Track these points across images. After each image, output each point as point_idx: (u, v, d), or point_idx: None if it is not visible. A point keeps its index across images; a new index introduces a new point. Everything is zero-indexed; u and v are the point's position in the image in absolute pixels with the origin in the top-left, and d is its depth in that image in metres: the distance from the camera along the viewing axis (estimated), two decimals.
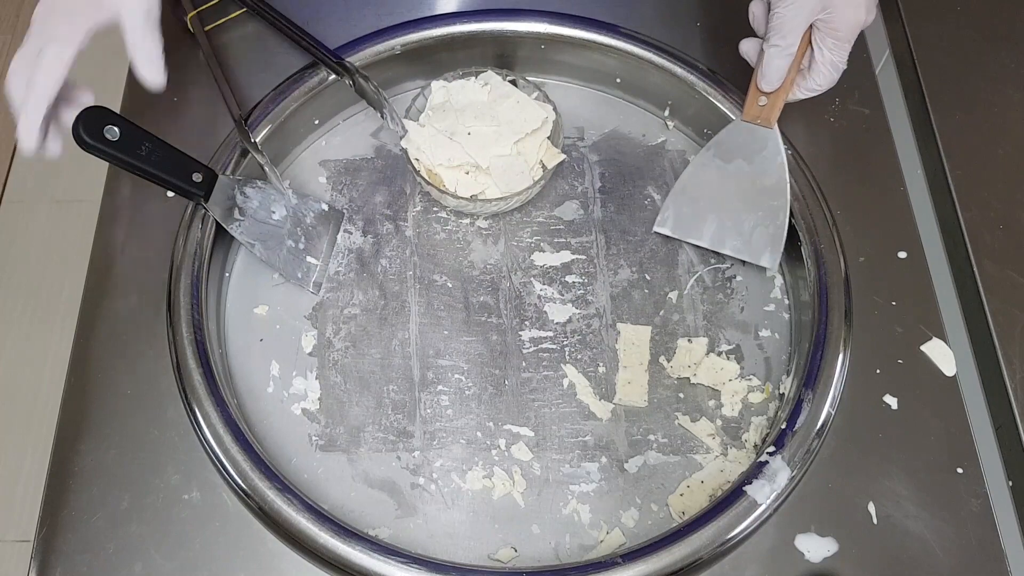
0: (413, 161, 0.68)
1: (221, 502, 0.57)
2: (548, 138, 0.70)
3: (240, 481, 0.56)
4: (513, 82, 0.71)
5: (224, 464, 0.56)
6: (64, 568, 0.55)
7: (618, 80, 0.75)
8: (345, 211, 0.70)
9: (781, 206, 0.66)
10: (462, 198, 0.68)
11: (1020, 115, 0.73)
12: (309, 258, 0.67)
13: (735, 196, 0.68)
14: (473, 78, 0.72)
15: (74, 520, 0.56)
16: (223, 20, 0.75)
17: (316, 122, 0.73)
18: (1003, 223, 0.68)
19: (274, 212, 0.66)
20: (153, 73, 0.60)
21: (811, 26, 0.62)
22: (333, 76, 0.70)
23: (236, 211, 0.64)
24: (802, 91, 0.65)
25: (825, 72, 0.64)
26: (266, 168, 0.66)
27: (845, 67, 0.63)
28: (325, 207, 0.69)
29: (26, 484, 1.31)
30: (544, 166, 0.69)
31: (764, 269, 0.69)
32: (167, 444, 0.59)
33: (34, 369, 1.39)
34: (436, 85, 0.71)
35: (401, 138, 0.69)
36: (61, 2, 0.57)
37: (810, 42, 0.63)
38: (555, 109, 0.71)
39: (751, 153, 0.67)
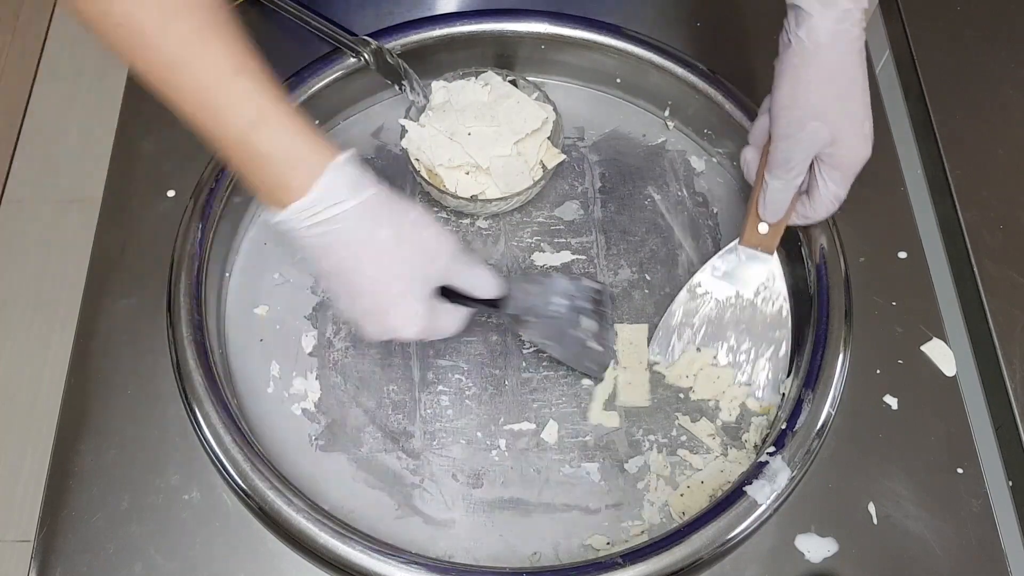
0: (413, 161, 0.68)
1: (221, 502, 0.57)
2: (548, 138, 0.70)
3: (240, 481, 0.56)
4: (513, 82, 0.71)
5: (224, 464, 0.56)
6: (64, 568, 0.55)
7: (618, 80, 0.75)
8: (612, 291, 0.67)
9: (783, 337, 0.65)
10: (462, 198, 0.68)
11: (1020, 115, 0.73)
12: (593, 344, 0.64)
13: (733, 324, 0.66)
14: (473, 78, 0.72)
15: (74, 520, 0.56)
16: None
17: (316, 122, 0.73)
18: (1003, 223, 0.68)
19: (551, 303, 0.63)
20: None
21: (815, 157, 0.60)
22: (334, 76, 0.70)
23: (528, 313, 0.62)
24: (799, 218, 0.63)
25: (827, 204, 0.61)
26: None
27: (845, 197, 0.61)
28: (598, 286, 0.66)
29: (26, 484, 1.31)
30: (544, 166, 0.69)
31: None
32: (167, 444, 0.59)
33: (34, 369, 1.39)
34: (436, 85, 0.71)
35: (402, 136, 0.69)
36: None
37: (811, 171, 0.60)
38: (555, 109, 0.71)
39: (750, 280, 0.65)
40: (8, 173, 1.56)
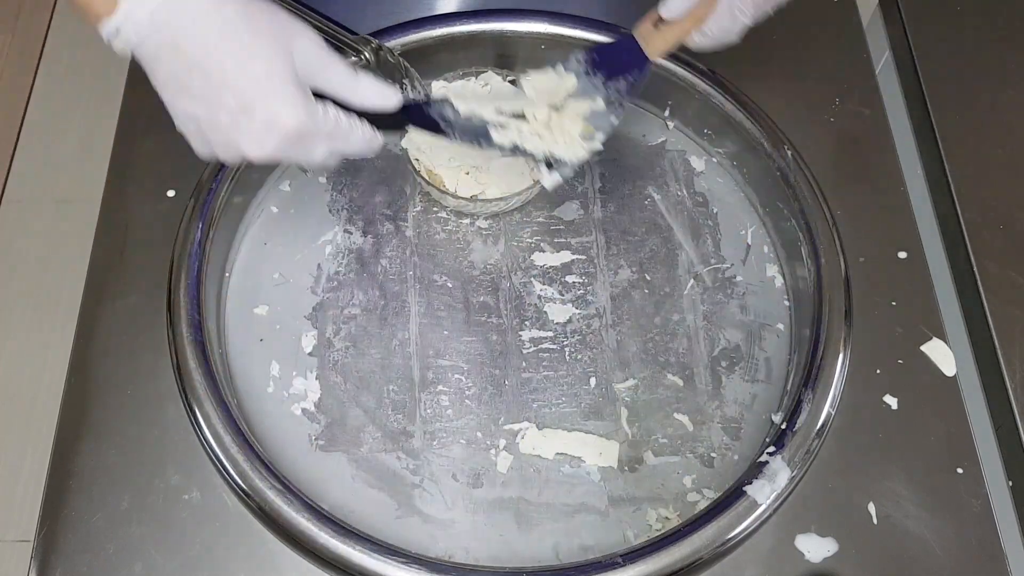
0: (413, 161, 0.68)
1: (221, 502, 0.57)
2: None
3: (240, 481, 0.56)
4: (513, 82, 0.71)
5: (224, 464, 0.56)
6: (64, 568, 0.55)
7: None
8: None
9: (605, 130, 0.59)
10: (462, 198, 0.68)
11: (1020, 115, 0.73)
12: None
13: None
14: (473, 78, 0.72)
15: (74, 520, 0.56)
16: None
17: None
18: (1003, 223, 0.68)
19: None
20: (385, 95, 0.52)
21: None
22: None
23: (442, 124, 0.58)
24: (697, 37, 0.56)
25: (719, 21, 0.53)
26: None
27: (748, 23, 0.54)
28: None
29: (26, 484, 1.31)
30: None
31: (764, 269, 0.69)
32: (167, 444, 0.59)
33: (34, 369, 1.39)
34: (436, 85, 0.71)
35: (402, 136, 0.69)
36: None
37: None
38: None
39: (615, 71, 0.59)
40: (8, 173, 1.56)
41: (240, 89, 0.45)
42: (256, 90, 0.45)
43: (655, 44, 0.58)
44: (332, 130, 0.49)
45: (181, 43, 0.45)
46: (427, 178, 0.68)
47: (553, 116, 0.60)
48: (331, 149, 0.50)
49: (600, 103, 0.60)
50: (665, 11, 0.56)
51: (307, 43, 0.48)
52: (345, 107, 0.51)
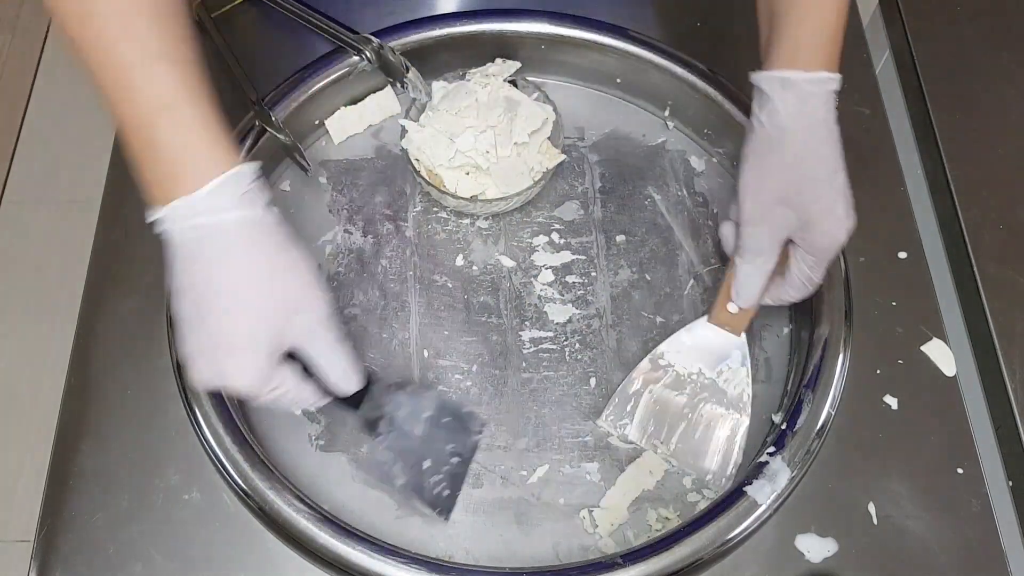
0: (413, 161, 0.68)
1: (221, 502, 0.57)
2: (548, 138, 0.70)
3: (240, 481, 0.56)
4: (513, 82, 0.71)
5: (224, 464, 0.56)
6: (64, 568, 0.55)
7: (618, 80, 0.75)
8: (485, 420, 0.62)
9: (742, 421, 0.62)
10: (462, 198, 0.67)
11: (1020, 115, 0.73)
12: (439, 482, 0.58)
13: (690, 403, 0.63)
14: (473, 79, 0.72)
15: (74, 520, 0.56)
16: (228, 7, 0.75)
17: (316, 122, 0.73)
18: (1003, 223, 0.68)
19: (418, 426, 0.59)
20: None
21: (789, 239, 0.58)
22: (333, 76, 0.70)
23: (383, 422, 0.58)
24: (772, 299, 0.61)
25: (799, 287, 0.59)
26: (291, 147, 0.67)
27: (821, 282, 0.59)
28: (480, 422, 0.61)
29: (26, 484, 1.31)
30: (544, 166, 0.69)
31: None
32: (167, 444, 0.59)
33: (34, 369, 1.39)
34: (436, 86, 0.71)
35: (402, 136, 0.69)
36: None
37: (786, 253, 0.59)
38: (555, 109, 0.70)
39: (714, 360, 0.63)
40: (8, 173, 1.56)
41: (222, 332, 0.48)
42: (228, 345, 0.48)
43: (741, 324, 0.63)
44: (279, 396, 0.51)
45: (199, 264, 0.48)
46: (427, 178, 0.68)
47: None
48: (274, 403, 0.52)
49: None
50: (744, 304, 0.62)
51: (311, 317, 0.51)
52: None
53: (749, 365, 0.63)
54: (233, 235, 0.48)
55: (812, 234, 0.56)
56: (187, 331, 0.49)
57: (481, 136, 0.68)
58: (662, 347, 0.64)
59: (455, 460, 0.59)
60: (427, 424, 0.59)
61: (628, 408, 0.62)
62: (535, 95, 0.71)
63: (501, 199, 0.68)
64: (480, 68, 0.72)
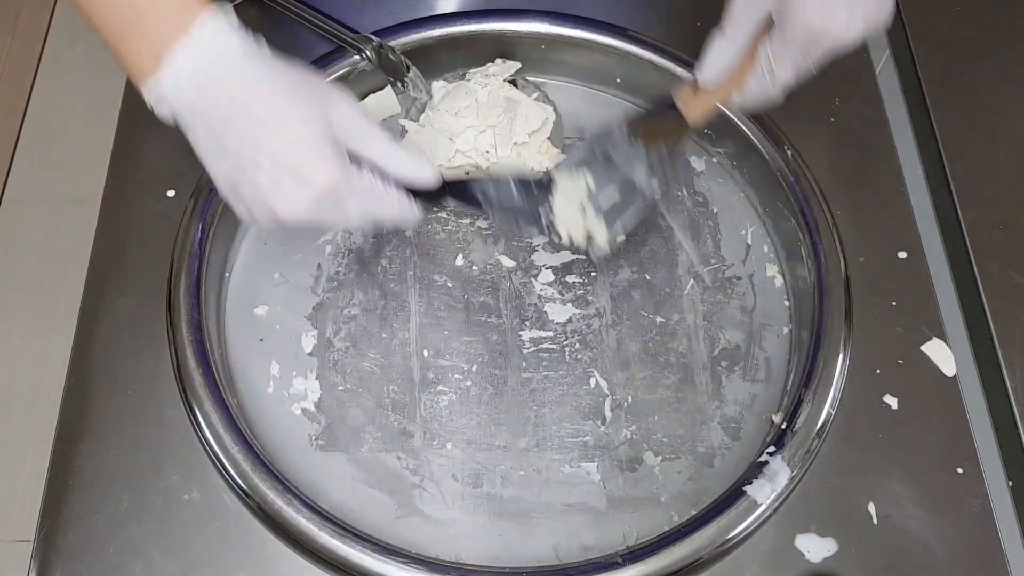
0: None
1: (221, 502, 0.57)
2: (548, 138, 0.70)
3: (240, 481, 0.56)
4: (513, 82, 0.71)
5: (224, 464, 0.56)
6: (64, 568, 0.55)
7: (618, 80, 0.75)
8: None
9: (633, 214, 0.60)
10: None
11: (1020, 115, 0.73)
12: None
13: (620, 172, 0.60)
14: (474, 78, 0.72)
15: (74, 520, 0.56)
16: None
17: None
18: (1003, 223, 0.68)
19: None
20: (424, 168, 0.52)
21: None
22: (337, 74, 0.70)
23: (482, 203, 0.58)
24: (738, 98, 0.54)
25: (758, 79, 0.50)
26: None
27: (788, 85, 0.51)
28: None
29: (26, 484, 1.31)
30: (544, 167, 0.69)
31: (764, 269, 0.69)
32: (167, 444, 0.59)
33: (34, 369, 1.39)
34: (436, 85, 0.72)
35: (402, 136, 0.69)
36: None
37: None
38: (555, 109, 0.70)
39: (651, 139, 0.59)
40: (8, 173, 1.56)
41: (276, 149, 0.46)
42: (292, 150, 0.46)
43: (695, 109, 0.57)
44: (367, 191, 0.49)
45: (221, 106, 0.46)
46: None
47: (578, 217, 0.60)
48: (365, 211, 0.50)
49: (614, 192, 0.59)
50: (700, 77, 0.54)
51: (346, 109, 0.49)
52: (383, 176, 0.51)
53: (678, 160, 0.60)
54: (243, 65, 0.46)
55: (785, 10, 0.47)
56: (246, 171, 0.46)
57: (481, 136, 0.68)
58: (625, 115, 0.60)
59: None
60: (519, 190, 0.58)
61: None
62: (535, 95, 0.71)
63: None
64: (480, 68, 0.72)
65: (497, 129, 0.68)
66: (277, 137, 0.46)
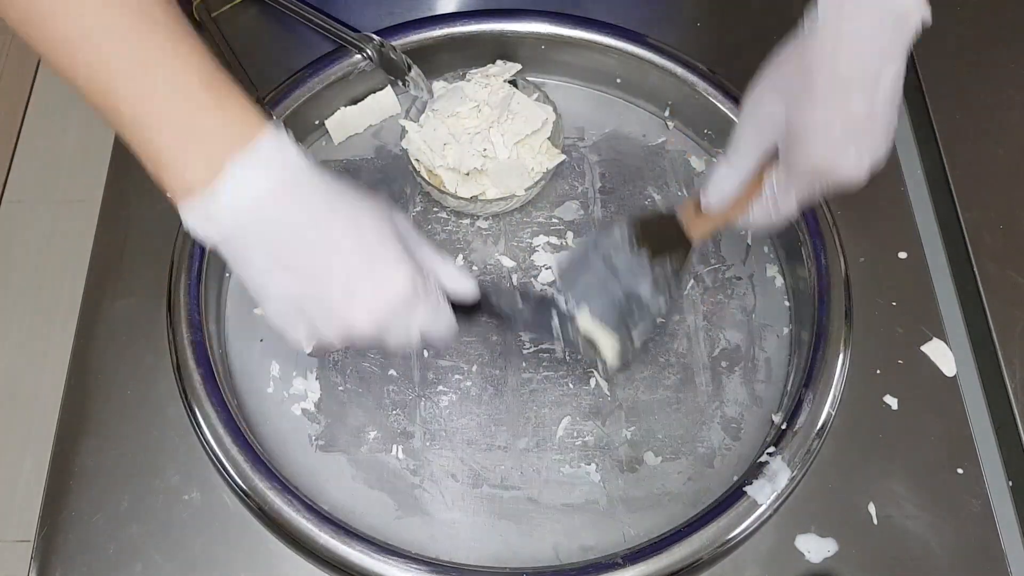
0: (413, 162, 0.68)
1: (221, 502, 0.57)
2: (548, 138, 0.70)
3: (240, 481, 0.56)
4: (513, 82, 0.71)
5: (224, 464, 0.56)
6: (64, 568, 0.55)
7: (618, 80, 0.75)
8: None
9: (643, 329, 0.58)
10: (462, 199, 0.67)
11: (1020, 115, 0.73)
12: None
13: (622, 283, 0.58)
14: (474, 79, 0.72)
15: (74, 520, 0.56)
16: (228, 6, 0.75)
17: (317, 122, 0.73)
18: (1003, 223, 0.68)
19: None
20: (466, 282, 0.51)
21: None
22: (338, 74, 0.70)
23: (513, 321, 0.58)
24: (741, 220, 0.54)
25: (763, 204, 0.51)
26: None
27: (792, 214, 0.52)
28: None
29: (26, 484, 1.31)
30: (545, 167, 0.69)
31: (764, 269, 0.69)
32: (167, 444, 0.59)
33: (34, 369, 1.39)
34: (437, 86, 0.72)
35: (403, 136, 0.69)
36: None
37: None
38: (555, 109, 0.70)
39: (657, 252, 0.57)
40: (8, 173, 1.56)
41: (351, 255, 0.44)
42: (368, 254, 0.44)
43: (698, 229, 0.57)
44: (432, 301, 0.47)
45: (292, 220, 0.43)
46: (427, 178, 0.68)
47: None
48: (425, 324, 0.47)
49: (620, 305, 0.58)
50: (705, 203, 0.54)
51: (402, 218, 0.47)
52: None
53: (683, 275, 0.60)
54: (314, 177, 0.43)
55: (793, 145, 0.47)
56: (317, 285, 0.43)
57: (481, 136, 0.68)
58: (626, 221, 0.58)
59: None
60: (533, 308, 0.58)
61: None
62: (535, 95, 0.71)
63: (501, 199, 0.68)
64: (481, 68, 0.72)
65: (497, 129, 0.68)
66: (352, 243, 0.44)
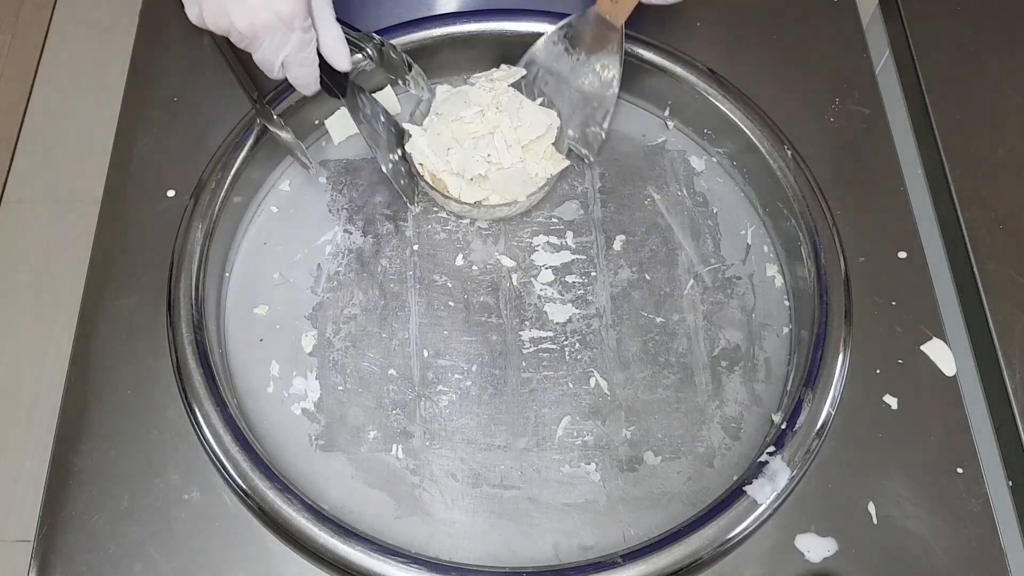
0: (416, 165, 0.68)
1: (221, 502, 0.57)
2: (552, 144, 0.70)
3: (240, 481, 0.56)
4: (516, 86, 0.71)
5: (224, 464, 0.56)
6: (64, 568, 0.55)
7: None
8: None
9: (604, 111, 0.69)
10: (466, 204, 0.67)
11: (1020, 115, 0.73)
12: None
13: (572, 84, 0.70)
14: (478, 83, 0.71)
15: (74, 520, 0.56)
16: None
17: (316, 122, 0.73)
18: (1003, 223, 0.68)
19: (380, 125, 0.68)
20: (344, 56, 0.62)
21: None
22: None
23: (360, 114, 0.67)
24: None
25: None
26: (292, 145, 0.66)
27: None
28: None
29: (26, 484, 1.31)
30: (549, 172, 0.69)
31: (764, 269, 0.69)
32: (167, 444, 0.59)
33: (34, 369, 1.39)
34: (440, 90, 0.71)
35: (406, 140, 0.69)
36: None
37: None
38: (559, 114, 0.70)
39: (594, 47, 0.68)
40: (8, 173, 1.56)
41: None
42: None
43: (619, 13, 0.66)
44: (306, 43, 0.58)
45: None
46: (430, 183, 0.68)
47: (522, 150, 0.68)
48: (291, 56, 0.58)
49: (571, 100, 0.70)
50: None
51: None
52: None
53: (622, 53, 0.68)
54: None
55: None
56: None
57: (485, 141, 0.68)
58: (554, 30, 0.70)
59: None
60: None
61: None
62: (539, 100, 0.71)
63: (505, 205, 0.67)
64: (484, 73, 0.71)
65: (501, 134, 0.68)
66: None
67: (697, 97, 0.72)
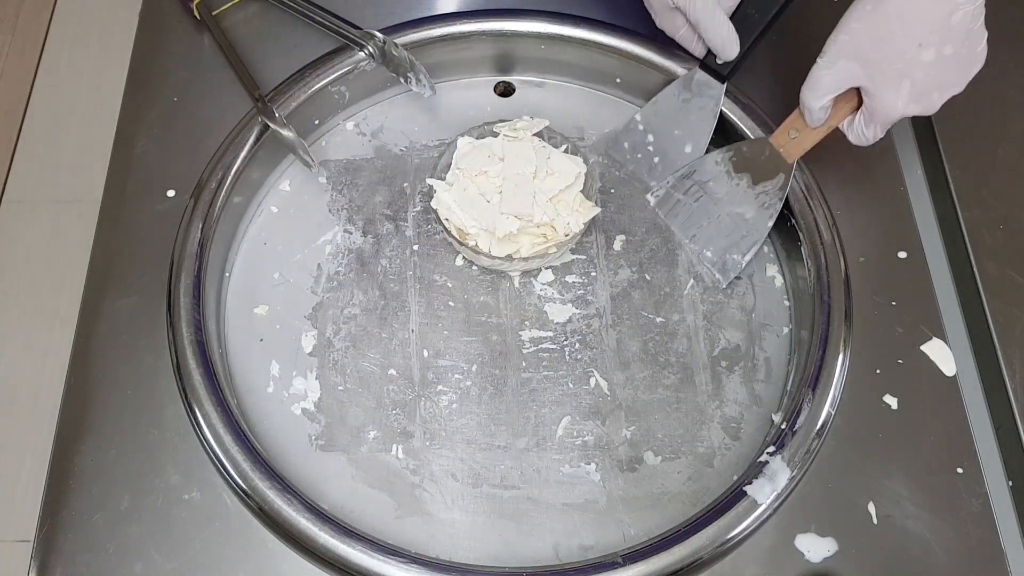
0: (443, 221, 0.66)
1: (221, 502, 0.57)
2: (581, 191, 0.68)
3: (240, 481, 0.56)
4: (539, 135, 0.69)
5: (224, 464, 0.56)
6: (64, 568, 0.55)
7: (618, 80, 0.75)
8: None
9: (758, 239, 0.67)
10: (497, 258, 0.65)
11: (1020, 115, 0.73)
12: None
13: (726, 208, 0.68)
14: (501, 132, 0.69)
15: (74, 520, 0.56)
16: (229, 4, 0.75)
17: (316, 122, 0.73)
18: (1003, 223, 0.68)
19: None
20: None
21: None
22: (339, 72, 0.70)
23: None
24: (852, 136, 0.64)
25: (857, 135, 0.63)
26: (295, 143, 0.66)
27: (878, 138, 0.62)
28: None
29: (26, 484, 1.31)
30: (580, 222, 0.67)
31: (764, 269, 0.69)
32: (167, 444, 0.59)
33: (34, 369, 1.39)
34: (462, 142, 0.69)
35: (431, 197, 0.69)
36: None
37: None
38: (585, 161, 0.69)
39: (759, 178, 0.67)
40: (8, 173, 1.56)
41: None
42: None
43: (794, 151, 0.65)
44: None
45: None
46: (459, 238, 0.66)
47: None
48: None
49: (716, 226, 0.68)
50: (810, 121, 0.63)
51: None
52: None
53: (787, 190, 0.66)
54: None
55: (872, 98, 0.59)
56: None
57: (514, 196, 0.66)
58: (716, 152, 0.68)
59: None
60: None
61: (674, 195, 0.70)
62: (564, 147, 0.69)
63: (537, 257, 0.66)
64: (507, 123, 0.70)
65: (529, 187, 0.66)
66: None
67: None
